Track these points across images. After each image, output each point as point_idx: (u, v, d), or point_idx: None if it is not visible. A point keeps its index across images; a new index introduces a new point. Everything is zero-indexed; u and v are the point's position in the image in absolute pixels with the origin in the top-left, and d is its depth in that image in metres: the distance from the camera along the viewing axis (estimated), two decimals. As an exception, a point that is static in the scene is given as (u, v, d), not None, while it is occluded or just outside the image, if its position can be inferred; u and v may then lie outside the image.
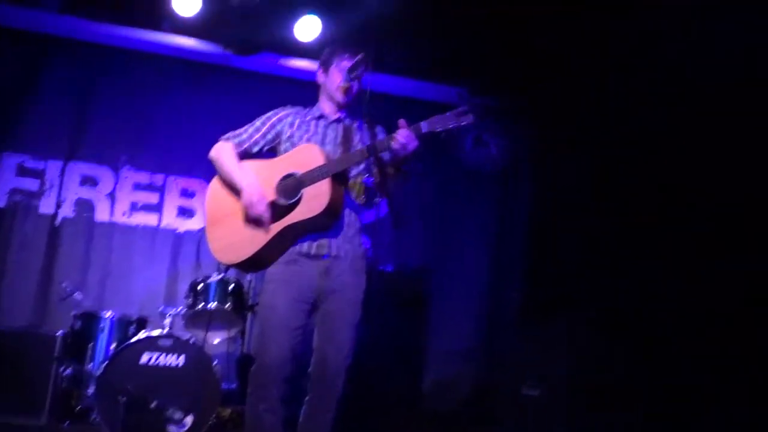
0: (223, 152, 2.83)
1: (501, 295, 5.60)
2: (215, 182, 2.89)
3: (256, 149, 2.87)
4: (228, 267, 3.08)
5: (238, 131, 2.88)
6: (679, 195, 4.11)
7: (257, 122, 2.90)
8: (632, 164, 4.52)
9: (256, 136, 2.87)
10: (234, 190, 2.79)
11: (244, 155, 2.85)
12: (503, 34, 5.19)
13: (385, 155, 2.66)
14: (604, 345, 4.37)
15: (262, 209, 2.65)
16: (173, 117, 5.09)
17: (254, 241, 2.68)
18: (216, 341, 4.31)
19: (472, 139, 5.92)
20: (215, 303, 3.99)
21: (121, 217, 5.00)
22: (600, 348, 4.39)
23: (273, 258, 2.73)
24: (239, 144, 2.85)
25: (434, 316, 5.03)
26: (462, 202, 5.72)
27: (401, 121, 2.59)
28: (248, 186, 2.69)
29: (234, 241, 2.73)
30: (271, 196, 2.71)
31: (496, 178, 5.82)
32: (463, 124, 2.55)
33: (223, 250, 2.77)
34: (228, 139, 2.87)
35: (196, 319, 4.11)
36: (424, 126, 2.58)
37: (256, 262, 2.74)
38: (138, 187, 5.07)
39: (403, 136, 2.55)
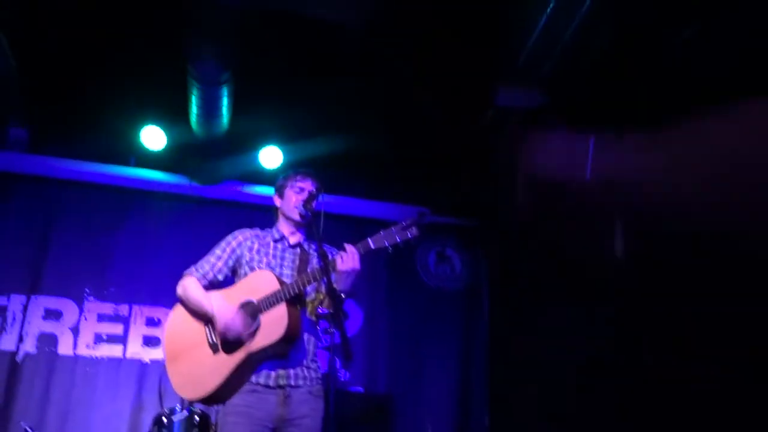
0: (189, 286, 2.89)
1: (469, 420, 5.53)
2: (173, 316, 2.92)
3: (220, 277, 2.94)
4: (191, 402, 3.03)
5: (199, 264, 2.96)
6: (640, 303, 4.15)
7: (217, 251, 2.98)
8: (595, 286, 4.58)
9: (219, 264, 2.95)
10: (195, 320, 2.83)
11: (210, 286, 2.92)
12: (461, 158, 5.47)
13: (333, 276, 2.75)
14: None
15: (239, 328, 2.69)
16: (136, 247, 5.15)
17: (216, 373, 2.69)
18: (181, 477, 4.15)
19: (435, 255, 6.06)
20: (180, 437, 3.88)
21: (84, 350, 4.91)
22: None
23: (235, 389, 2.73)
24: (203, 276, 2.92)
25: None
26: (427, 323, 5.76)
27: (347, 245, 2.71)
28: (219, 310, 2.74)
29: (195, 375, 2.74)
30: None
31: (459, 296, 5.90)
32: (409, 237, 2.66)
33: (184, 385, 2.77)
34: (191, 273, 2.93)
35: (159, 454, 3.98)
36: (372, 242, 2.71)
37: (219, 395, 2.73)
38: (102, 318, 5.03)
39: (344, 255, 2.67)
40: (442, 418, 5.50)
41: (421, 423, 5.41)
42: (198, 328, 2.82)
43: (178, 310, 2.92)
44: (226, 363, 2.69)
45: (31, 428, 4.05)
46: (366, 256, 2.75)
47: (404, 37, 4.43)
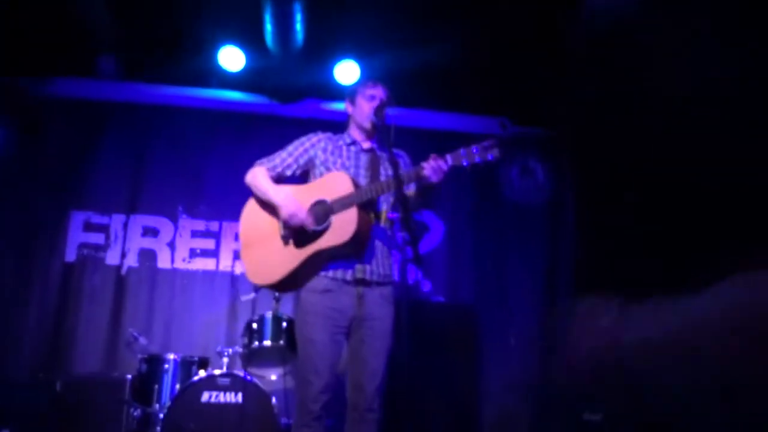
0: (258, 175, 3.02)
1: (555, 328, 5.53)
2: (248, 207, 3.06)
3: (288, 173, 3.04)
4: (259, 288, 3.21)
5: (271, 156, 3.07)
6: (728, 215, 3.97)
7: (290, 147, 3.08)
8: (680, 192, 4.39)
9: (289, 161, 3.04)
10: (268, 212, 2.96)
11: (278, 179, 3.03)
12: (545, 65, 5.27)
13: (410, 187, 2.79)
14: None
15: (303, 217, 2.81)
16: (224, 167, 5.34)
17: (285, 264, 2.84)
18: (273, 377, 4.46)
19: (519, 168, 5.96)
20: (269, 341, 4.13)
21: (181, 264, 5.26)
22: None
23: (302, 281, 2.88)
24: (272, 168, 3.03)
25: (487, 351, 5.08)
26: (512, 235, 5.74)
27: (432, 155, 2.71)
28: (284, 200, 2.87)
29: (266, 262, 2.90)
30: None
31: (544, 209, 5.81)
32: (489, 158, 2.64)
33: (256, 272, 2.94)
34: (262, 164, 3.06)
35: (252, 357, 4.27)
36: (449, 159, 2.70)
37: (287, 284, 2.91)
38: (195, 234, 5.34)
39: (431, 166, 2.67)
40: (527, 327, 5.55)
41: (505, 333, 5.49)
42: (271, 220, 2.96)
43: (252, 201, 3.06)
44: (295, 256, 2.83)
45: (138, 334, 4.40)
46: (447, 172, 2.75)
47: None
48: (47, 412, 3.95)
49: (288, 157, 3.05)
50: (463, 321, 4.83)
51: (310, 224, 2.81)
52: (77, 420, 3.99)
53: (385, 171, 2.99)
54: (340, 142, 3.07)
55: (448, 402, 4.44)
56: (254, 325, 4.17)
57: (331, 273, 2.84)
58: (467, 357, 4.65)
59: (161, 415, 3.83)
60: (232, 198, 5.26)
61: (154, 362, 4.20)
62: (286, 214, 2.83)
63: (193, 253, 5.30)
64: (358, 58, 5.16)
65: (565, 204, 5.86)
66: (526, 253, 5.73)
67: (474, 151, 2.67)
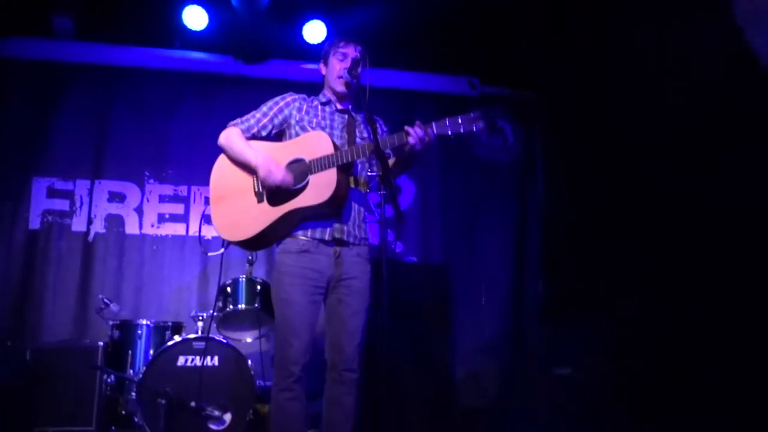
0: (232, 136, 2.94)
1: (523, 287, 5.65)
2: (221, 160, 3.00)
3: (264, 133, 2.98)
4: (229, 243, 3.18)
5: (245, 117, 3.00)
6: (694, 186, 4.02)
7: (264, 107, 3.01)
8: (647, 156, 4.44)
9: (264, 121, 2.98)
10: (242, 169, 2.91)
11: (252, 139, 2.97)
12: (514, 23, 5.25)
13: (389, 152, 2.78)
14: (632, 329, 4.37)
15: (281, 176, 2.77)
16: (191, 129, 5.25)
17: (257, 221, 2.80)
18: (249, 340, 4.47)
19: (487, 127, 5.97)
20: (244, 304, 4.13)
21: (150, 229, 5.18)
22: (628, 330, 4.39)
23: (274, 239, 2.86)
24: (247, 129, 2.96)
25: (459, 310, 5.16)
26: (481, 195, 5.79)
27: (417, 122, 2.68)
28: (262, 159, 2.82)
29: (238, 219, 2.86)
30: None
31: (513, 168, 5.85)
32: (473, 129, 2.63)
33: (227, 226, 2.89)
34: (236, 124, 2.99)
35: (227, 320, 4.27)
36: (435, 127, 2.67)
37: (258, 242, 2.87)
38: (164, 199, 5.25)
39: (417, 134, 2.65)
40: (497, 286, 5.64)
41: (476, 291, 5.57)
42: (245, 176, 2.90)
43: (223, 157, 3.00)
44: (268, 214, 2.79)
45: (109, 300, 4.34)
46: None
47: None
48: (18, 381, 3.89)
49: (263, 117, 2.98)
50: (435, 280, 4.85)
51: (289, 184, 2.77)
52: (49, 388, 3.94)
53: (361, 133, 2.97)
54: (315, 102, 3.03)
55: (421, 360, 4.49)
56: (228, 289, 4.17)
57: (309, 233, 2.82)
58: (440, 316, 4.69)
59: (137, 380, 3.82)
60: (200, 161, 5.20)
61: (127, 328, 4.16)
62: (264, 173, 2.79)
63: (161, 219, 5.22)
64: (326, 18, 5.06)
65: (533, 162, 5.93)
66: (496, 212, 5.80)
67: (459, 120, 2.65)
